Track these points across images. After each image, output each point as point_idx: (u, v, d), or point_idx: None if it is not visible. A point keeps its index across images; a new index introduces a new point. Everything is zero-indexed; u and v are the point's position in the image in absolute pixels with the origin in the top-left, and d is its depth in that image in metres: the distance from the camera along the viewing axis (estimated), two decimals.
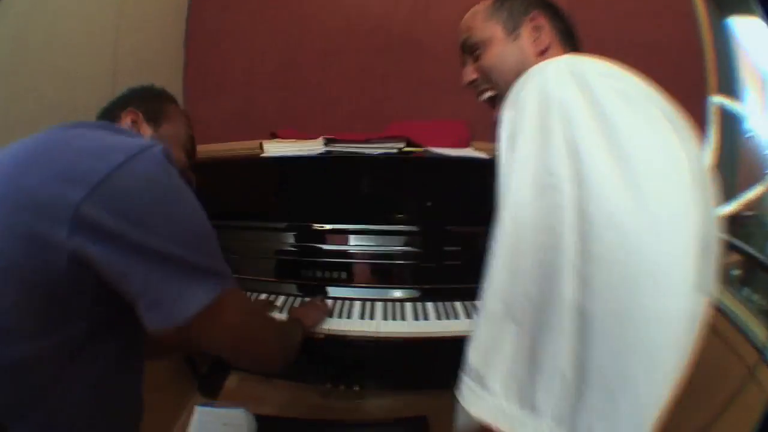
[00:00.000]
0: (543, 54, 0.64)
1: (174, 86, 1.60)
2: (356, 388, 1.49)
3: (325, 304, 1.17)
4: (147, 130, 0.71)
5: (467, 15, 0.72)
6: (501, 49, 0.65)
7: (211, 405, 1.18)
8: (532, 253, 0.40)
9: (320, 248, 1.32)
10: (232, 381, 1.58)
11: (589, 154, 0.39)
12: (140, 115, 0.71)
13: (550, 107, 0.42)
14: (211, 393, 1.51)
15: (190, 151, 0.81)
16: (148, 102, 0.74)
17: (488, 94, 0.70)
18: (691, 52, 1.23)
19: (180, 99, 1.66)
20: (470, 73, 0.71)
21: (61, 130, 0.57)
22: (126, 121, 0.70)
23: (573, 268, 0.37)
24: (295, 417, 1.17)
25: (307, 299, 1.28)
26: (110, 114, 0.72)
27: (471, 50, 0.70)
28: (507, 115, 0.49)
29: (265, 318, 0.87)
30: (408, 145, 1.43)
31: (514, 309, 0.39)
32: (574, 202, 0.38)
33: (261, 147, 1.41)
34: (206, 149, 1.62)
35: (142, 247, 0.48)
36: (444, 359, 1.13)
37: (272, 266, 1.36)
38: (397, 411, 1.53)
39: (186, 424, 1.13)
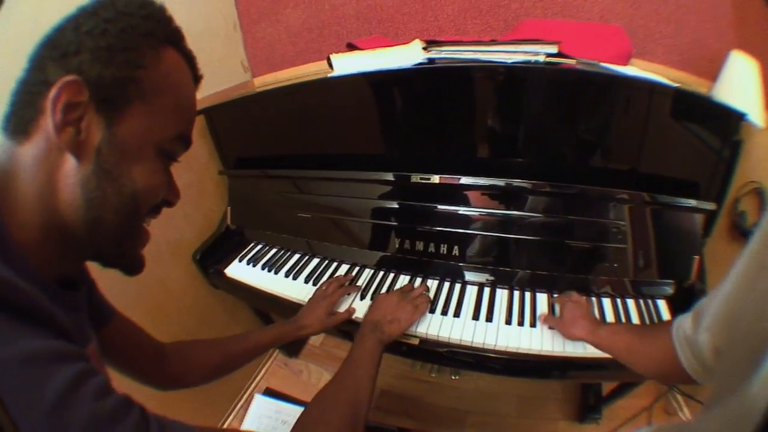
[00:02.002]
0: None
1: (224, 7, 1.22)
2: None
3: (422, 299, 0.81)
4: (95, 133, 0.33)
5: None
6: None
7: (274, 396, 1.00)
8: None
9: (420, 208, 0.91)
10: (315, 338, 1.49)
11: None
12: (85, 92, 0.32)
13: None
14: (292, 350, 1.43)
15: (180, 147, 0.40)
16: (111, 56, 0.33)
17: None
18: None
19: (232, 26, 1.22)
20: None
21: None
22: (49, 111, 0.31)
23: None
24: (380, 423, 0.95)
25: (404, 279, 0.90)
26: (26, 83, 0.33)
27: None
28: None
29: None
30: (558, 55, 0.87)
31: None
32: None
33: (329, 63, 0.98)
34: (276, 78, 1.31)
35: None
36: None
37: (353, 230, 0.98)
38: (493, 395, 1.34)
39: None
